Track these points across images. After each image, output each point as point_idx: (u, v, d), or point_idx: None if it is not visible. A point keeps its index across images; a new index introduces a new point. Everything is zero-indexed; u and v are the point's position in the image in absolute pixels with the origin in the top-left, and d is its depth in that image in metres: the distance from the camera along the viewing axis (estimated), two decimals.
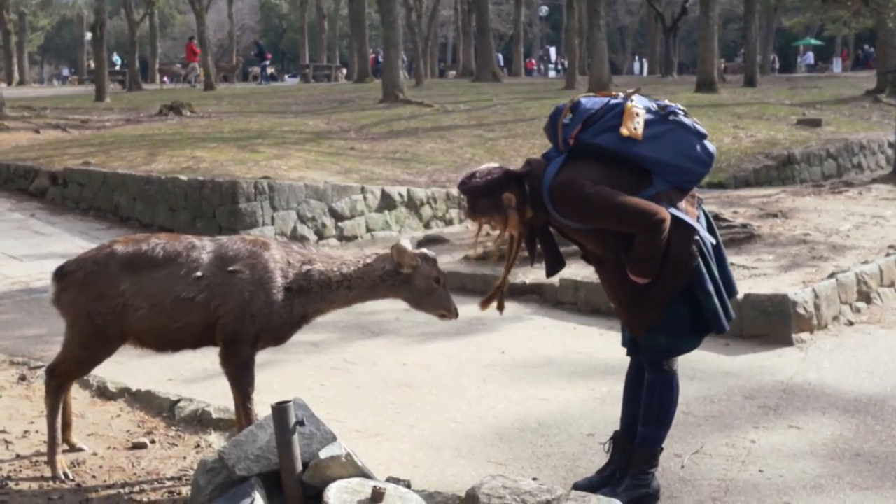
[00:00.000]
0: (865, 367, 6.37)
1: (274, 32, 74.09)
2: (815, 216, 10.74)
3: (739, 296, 7.18)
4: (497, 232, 4.36)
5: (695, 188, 4.27)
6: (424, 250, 4.72)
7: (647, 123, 4.10)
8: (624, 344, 4.52)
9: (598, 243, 4.21)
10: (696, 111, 21.40)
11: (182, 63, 46.15)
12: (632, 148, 4.08)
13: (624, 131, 4.05)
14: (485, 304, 4.52)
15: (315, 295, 4.53)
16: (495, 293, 4.50)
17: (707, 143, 4.18)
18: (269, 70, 46.47)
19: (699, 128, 4.18)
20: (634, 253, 4.02)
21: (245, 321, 4.40)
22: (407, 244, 4.59)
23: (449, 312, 4.70)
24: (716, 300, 4.14)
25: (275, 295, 4.43)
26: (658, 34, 45.13)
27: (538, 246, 4.42)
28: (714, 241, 4.23)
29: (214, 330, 4.45)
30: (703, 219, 4.22)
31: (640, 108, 4.12)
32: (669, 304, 4.11)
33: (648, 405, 4.29)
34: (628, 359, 4.53)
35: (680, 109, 4.19)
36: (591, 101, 4.20)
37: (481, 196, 4.18)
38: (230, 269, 4.41)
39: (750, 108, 23.14)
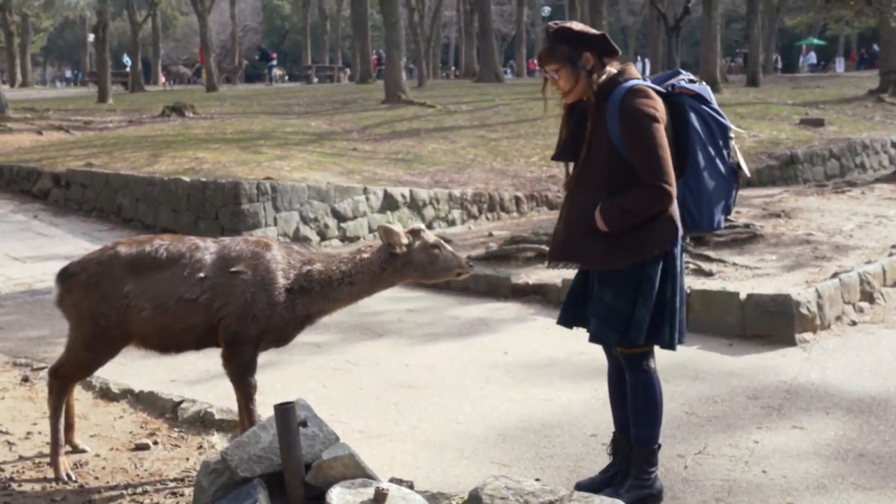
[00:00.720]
0: (869, 367, 6.36)
1: (276, 34, 74.13)
2: (818, 216, 10.74)
3: (742, 296, 7.20)
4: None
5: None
6: (411, 225, 4.70)
7: (722, 154, 4.23)
8: (562, 322, 4.52)
9: (603, 164, 4.11)
10: None
11: (185, 64, 46.24)
12: (697, 148, 4.13)
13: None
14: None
15: (317, 295, 4.53)
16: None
17: (723, 219, 4.32)
18: (277, 71, 46.62)
19: (731, 204, 4.35)
20: (621, 197, 4.01)
21: (247, 322, 4.39)
22: (394, 225, 4.58)
23: (462, 268, 4.67)
24: (647, 313, 4.10)
25: (276, 296, 4.43)
26: (660, 34, 45.06)
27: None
28: (679, 270, 4.21)
29: (216, 331, 4.45)
30: (681, 247, 4.23)
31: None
32: (616, 293, 4.09)
33: (635, 406, 4.29)
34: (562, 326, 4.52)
35: (740, 171, 4.33)
36: (712, 97, 4.27)
37: (567, 41, 4.13)
38: (232, 269, 4.42)
39: (752, 107, 23.12)
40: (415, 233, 4.63)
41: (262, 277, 4.42)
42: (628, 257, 4.06)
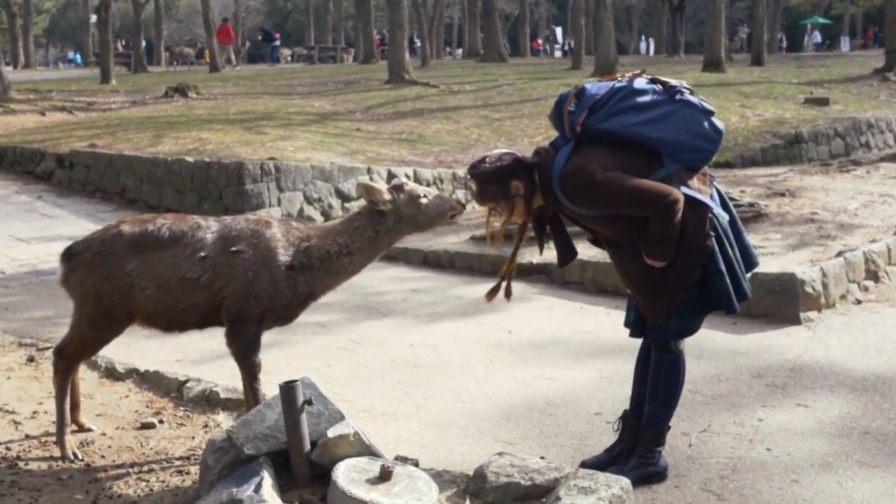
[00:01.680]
0: (873, 345, 6.35)
1: (279, 14, 73.90)
2: (823, 195, 10.71)
3: (748, 275, 7.17)
4: (503, 218, 4.34)
5: (705, 166, 4.23)
6: (393, 181, 4.68)
7: (654, 104, 4.08)
8: (627, 325, 4.50)
9: (611, 229, 4.17)
10: (703, 90, 21.28)
11: (187, 44, 46.09)
12: (640, 130, 4.06)
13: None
14: (490, 296, 4.51)
15: (317, 270, 4.51)
16: (500, 282, 4.47)
17: (715, 120, 4.15)
18: (285, 51, 46.50)
19: (706, 105, 4.15)
20: (649, 236, 3.98)
21: (249, 301, 4.39)
22: (374, 182, 4.58)
23: (455, 209, 4.66)
24: (728, 280, 4.09)
25: (278, 274, 4.42)
26: (665, 14, 44.91)
27: (548, 234, 4.40)
28: (728, 217, 4.20)
29: (219, 310, 4.45)
30: (716, 196, 4.19)
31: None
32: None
33: (655, 385, 4.29)
34: (635, 338, 4.51)
35: (685, 88, 4.17)
36: (595, 87, 4.18)
37: (490, 182, 4.18)
38: (233, 249, 4.41)
39: (757, 87, 23.04)
40: (397, 187, 4.57)
41: (262, 255, 4.42)
42: (698, 260, 4.04)
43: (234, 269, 4.39)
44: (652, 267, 4.05)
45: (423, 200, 4.55)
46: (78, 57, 62.58)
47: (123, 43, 42.50)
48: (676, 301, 4.11)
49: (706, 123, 4.11)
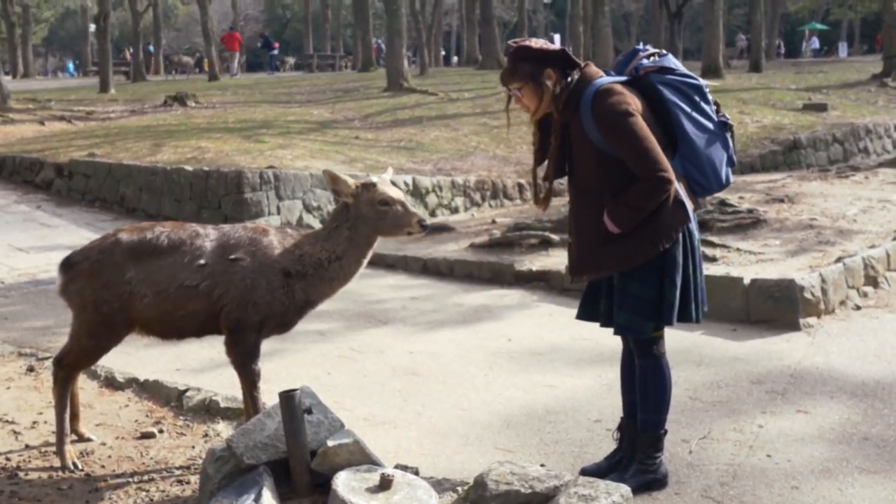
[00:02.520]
0: (873, 351, 6.35)
1: (278, 22, 73.99)
2: (822, 201, 10.72)
3: (746, 281, 7.20)
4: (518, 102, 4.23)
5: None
6: (371, 178, 4.58)
7: (707, 114, 4.20)
8: (587, 318, 4.47)
9: (595, 168, 4.12)
10: None
11: (186, 53, 46.12)
12: (682, 119, 4.11)
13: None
14: (542, 204, 4.42)
15: (312, 278, 4.50)
16: (540, 188, 4.37)
17: (730, 171, 4.28)
18: (290, 59, 46.47)
19: (733, 154, 4.29)
20: (624, 196, 4.00)
21: (248, 308, 4.40)
22: (341, 174, 4.52)
23: (411, 227, 4.49)
24: (677, 294, 4.11)
25: (276, 281, 4.43)
26: (663, 20, 44.88)
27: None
28: (697, 242, 4.25)
29: (218, 318, 4.46)
30: (695, 220, 4.24)
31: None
32: (641, 282, 4.09)
33: (644, 391, 4.30)
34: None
35: (730, 124, 4.29)
36: (677, 63, 4.25)
37: (527, 59, 4.12)
38: (231, 257, 4.43)
39: (755, 93, 23.07)
40: (366, 186, 4.51)
41: (260, 263, 4.43)
42: (648, 251, 4.05)
43: (232, 276, 4.40)
44: (604, 227, 4.06)
45: (384, 209, 4.47)
46: (70, 66, 62.61)
47: (131, 52, 42.64)
48: (601, 271, 4.15)
49: (725, 168, 4.24)
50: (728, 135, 4.26)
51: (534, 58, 4.12)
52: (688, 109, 4.15)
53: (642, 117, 4.03)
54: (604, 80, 4.11)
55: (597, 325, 4.43)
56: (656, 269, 4.10)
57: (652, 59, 4.22)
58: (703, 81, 4.28)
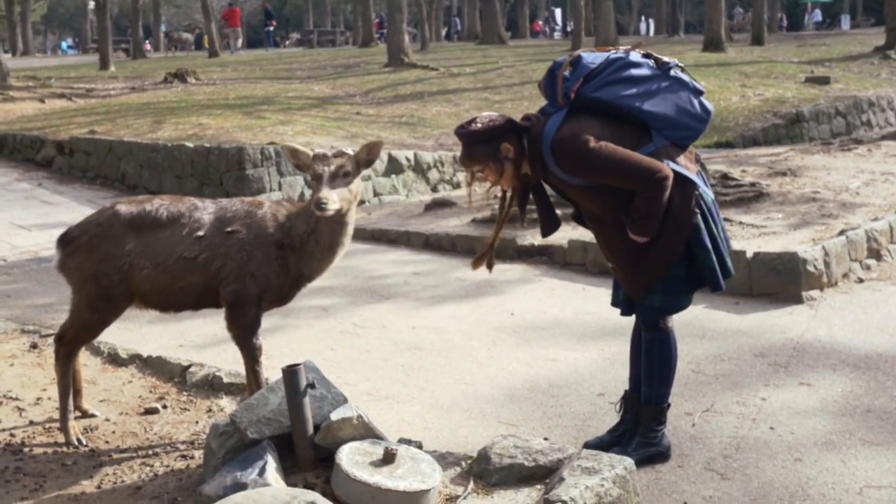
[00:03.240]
0: (876, 323, 6.35)
1: None
2: (825, 174, 10.69)
3: (749, 254, 7.19)
4: (487, 184, 4.28)
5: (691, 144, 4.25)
6: (316, 150, 4.40)
7: (647, 78, 4.10)
8: (615, 304, 4.48)
9: (596, 201, 4.15)
10: (703, 70, 21.24)
11: (186, 30, 45.90)
12: (632, 102, 4.06)
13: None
14: (476, 264, 4.43)
15: (300, 251, 4.46)
16: (486, 252, 4.39)
17: (704, 99, 4.19)
18: (294, 35, 46.17)
19: (696, 84, 4.20)
20: (635, 210, 3.99)
21: (246, 280, 4.40)
22: (300, 147, 4.37)
23: (313, 206, 4.22)
24: (713, 257, 4.11)
25: (271, 252, 4.43)
26: None
27: (530, 206, 4.37)
28: (712, 196, 4.22)
29: (216, 291, 4.46)
30: (701, 174, 4.21)
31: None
32: (674, 263, 4.09)
33: (649, 364, 4.30)
34: (626, 316, 4.50)
35: (678, 65, 4.19)
36: (591, 56, 4.17)
37: (479, 142, 4.10)
38: (228, 229, 4.43)
39: (758, 66, 22.97)
40: (318, 157, 4.34)
41: (255, 235, 4.43)
42: (682, 237, 4.05)
43: (229, 249, 4.41)
44: (635, 242, 4.06)
45: (313, 183, 4.30)
46: (63, 44, 62.37)
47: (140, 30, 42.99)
48: (658, 276, 4.11)
49: (696, 102, 4.15)
50: (676, 74, 4.14)
51: (486, 138, 4.08)
52: (630, 91, 4.07)
53: (602, 133, 4.00)
54: (549, 129, 4.06)
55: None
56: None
57: (568, 70, 4.12)
58: (614, 52, 4.19)
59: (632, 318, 4.47)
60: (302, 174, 12.28)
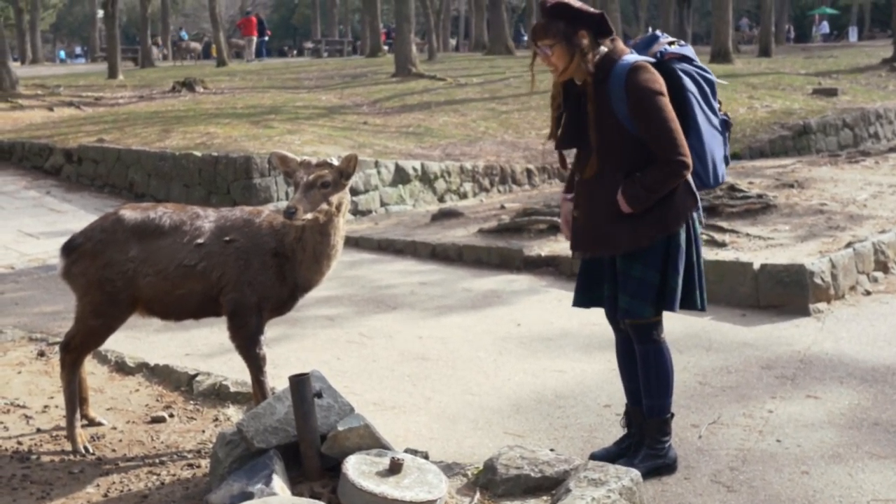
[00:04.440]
0: (883, 336, 6.34)
1: (286, 7, 73.83)
2: (832, 186, 10.68)
3: (756, 266, 7.19)
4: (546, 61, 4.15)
5: None
6: (305, 158, 4.41)
7: (714, 110, 4.23)
8: (579, 304, 4.49)
9: (614, 145, 4.08)
10: None
11: (193, 39, 46.05)
12: (694, 108, 4.13)
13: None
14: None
15: (292, 259, 4.45)
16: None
17: (725, 169, 4.31)
18: (308, 46, 46.02)
19: (728, 154, 4.33)
20: (641, 177, 4.01)
21: (244, 289, 4.42)
22: (289, 154, 4.38)
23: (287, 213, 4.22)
24: (679, 280, 4.13)
25: (267, 260, 4.44)
26: (671, 5, 44.70)
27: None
28: (700, 232, 4.29)
29: (216, 300, 4.49)
30: (699, 207, 4.27)
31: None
32: (644, 266, 4.10)
33: (647, 376, 4.29)
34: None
35: (730, 122, 4.35)
36: (694, 54, 4.26)
37: (564, 17, 4.03)
38: (226, 238, 4.46)
39: (765, 78, 22.97)
40: (304, 164, 4.36)
41: (252, 243, 4.46)
42: (655, 234, 4.08)
43: (227, 257, 4.44)
44: (616, 206, 4.06)
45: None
46: (62, 53, 62.51)
47: (157, 39, 43.12)
48: (607, 250, 4.14)
49: (722, 164, 4.26)
50: (727, 134, 4.30)
51: (571, 16, 4.04)
52: (702, 102, 4.17)
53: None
54: (635, 56, 4.09)
55: (602, 310, 4.42)
56: (660, 253, 4.11)
57: (673, 46, 4.21)
58: (715, 78, 4.30)
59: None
60: None
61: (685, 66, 4.17)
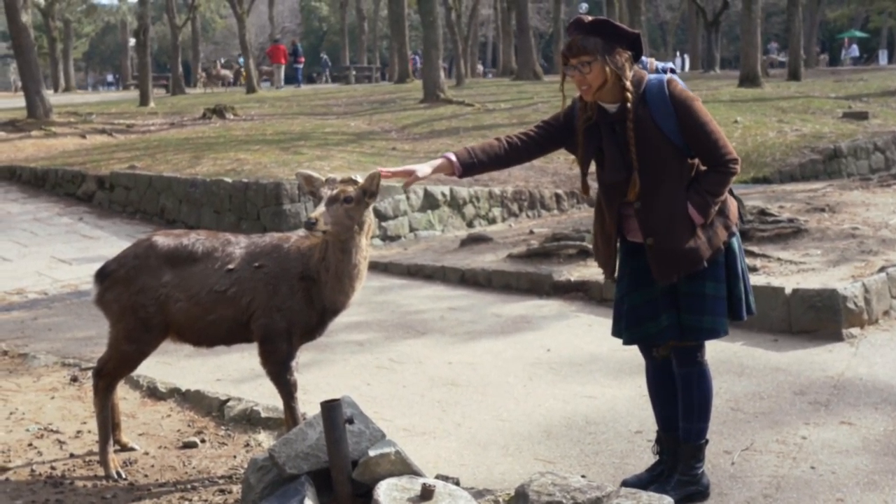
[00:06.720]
0: None
1: (314, 35, 74.50)
2: (864, 210, 10.59)
3: (788, 291, 7.13)
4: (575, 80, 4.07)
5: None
6: (329, 177, 4.41)
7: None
8: (633, 342, 4.38)
9: (669, 161, 4.03)
10: (739, 106, 21.15)
11: (224, 66, 46.51)
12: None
13: None
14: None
15: (318, 281, 4.45)
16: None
17: None
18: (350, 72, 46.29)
19: None
20: (702, 185, 4.03)
21: (274, 315, 4.44)
22: (314, 172, 4.37)
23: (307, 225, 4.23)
24: (742, 288, 4.17)
25: (294, 285, 4.46)
26: (700, 29, 44.75)
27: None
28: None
29: (247, 326, 4.51)
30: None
31: None
32: (714, 282, 4.09)
33: (688, 399, 4.26)
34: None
35: None
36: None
37: (602, 34, 3.97)
38: (256, 264, 4.49)
39: (794, 101, 22.86)
40: (329, 181, 4.36)
41: (280, 268, 4.49)
42: (726, 238, 4.11)
43: (257, 283, 4.47)
44: (686, 220, 4.04)
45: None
46: (91, 80, 63.25)
47: (203, 67, 43.95)
48: (696, 266, 4.04)
49: None
50: None
51: (609, 34, 3.99)
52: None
53: None
54: (664, 74, 4.12)
55: None
56: (721, 265, 4.13)
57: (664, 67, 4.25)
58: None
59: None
60: None
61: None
